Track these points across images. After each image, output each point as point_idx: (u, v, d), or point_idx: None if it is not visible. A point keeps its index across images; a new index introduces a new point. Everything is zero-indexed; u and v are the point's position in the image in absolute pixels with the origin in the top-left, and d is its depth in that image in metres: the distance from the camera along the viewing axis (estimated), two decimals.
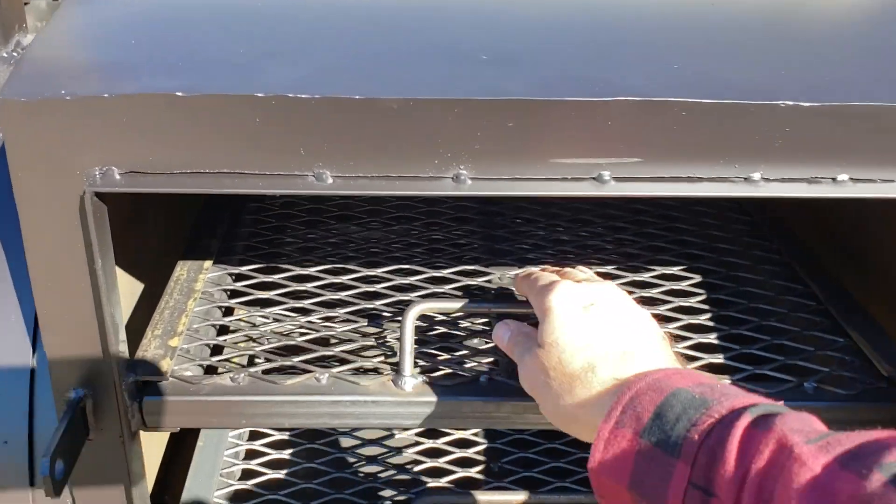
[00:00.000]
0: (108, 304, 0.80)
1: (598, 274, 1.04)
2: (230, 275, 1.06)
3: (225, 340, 0.96)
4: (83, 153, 0.74)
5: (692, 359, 0.95)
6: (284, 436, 1.20)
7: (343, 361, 0.93)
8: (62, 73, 0.76)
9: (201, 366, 0.90)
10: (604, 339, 0.74)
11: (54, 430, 0.82)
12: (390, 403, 0.87)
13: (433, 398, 0.87)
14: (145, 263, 1.02)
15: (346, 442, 1.21)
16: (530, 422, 0.88)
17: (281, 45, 0.83)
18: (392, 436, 1.22)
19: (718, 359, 0.95)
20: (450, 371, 0.91)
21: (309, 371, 0.89)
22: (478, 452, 1.17)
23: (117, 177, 0.75)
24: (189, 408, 0.85)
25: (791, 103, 0.75)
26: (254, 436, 1.20)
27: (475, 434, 1.19)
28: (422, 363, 0.93)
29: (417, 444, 1.18)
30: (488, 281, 1.07)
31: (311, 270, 1.06)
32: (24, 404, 0.92)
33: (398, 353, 0.88)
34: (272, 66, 0.78)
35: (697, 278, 1.09)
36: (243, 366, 0.94)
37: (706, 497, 0.61)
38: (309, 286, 1.03)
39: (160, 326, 0.93)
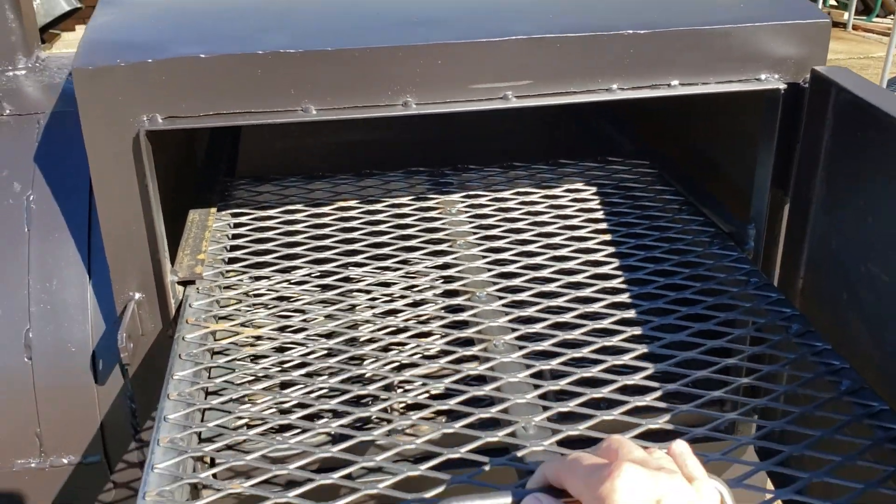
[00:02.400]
0: (158, 221, 1.08)
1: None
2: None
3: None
4: (135, 104, 1.03)
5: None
6: None
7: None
8: (113, 48, 1.05)
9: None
10: None
11: (119, 323, 1.10)
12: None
13: None
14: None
15: None
16: None
17: (269, 23, 1.13)
18: None
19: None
20: None
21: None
22: None
23: (160, 120, 1.04)
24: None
25: (631, 32, 1.08)
26: None
27: None
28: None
29: None
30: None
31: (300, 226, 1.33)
32: (85, 320, 1.19)
33: None
34: (265, 35, 1.08)
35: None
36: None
37: None
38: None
39: (188, 248, 1.21)
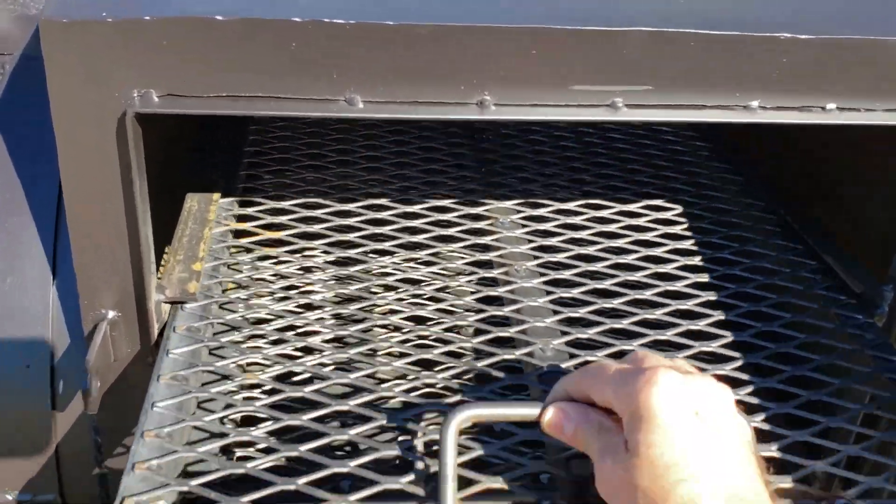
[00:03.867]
0: (144, 226, 0.82)
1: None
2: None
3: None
4: (123, 75, 0.76)
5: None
6: None
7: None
8: None
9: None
10: (713, 466, 0.60)
11: (88, 348, 0.85)
12: None
13: None
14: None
15: None
16: None
17: None
18: None
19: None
20: (498, 489, 0.73)
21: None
22: None
23: (156, 99, 0.77)
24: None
25: (789, 35, 0.81)
26: None
27: None
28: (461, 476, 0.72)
29: None
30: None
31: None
32: (45, 330, 0.94)
33: (437, 479, 0.69)
34: None
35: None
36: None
37: None
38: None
39: (181, 252, 0.95)
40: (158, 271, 0.91)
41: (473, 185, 1.17)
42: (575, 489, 0.73)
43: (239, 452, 0.85)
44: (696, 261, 1.05)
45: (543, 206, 1.13)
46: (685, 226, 1.12)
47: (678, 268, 1.04)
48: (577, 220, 1.10)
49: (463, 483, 0.71)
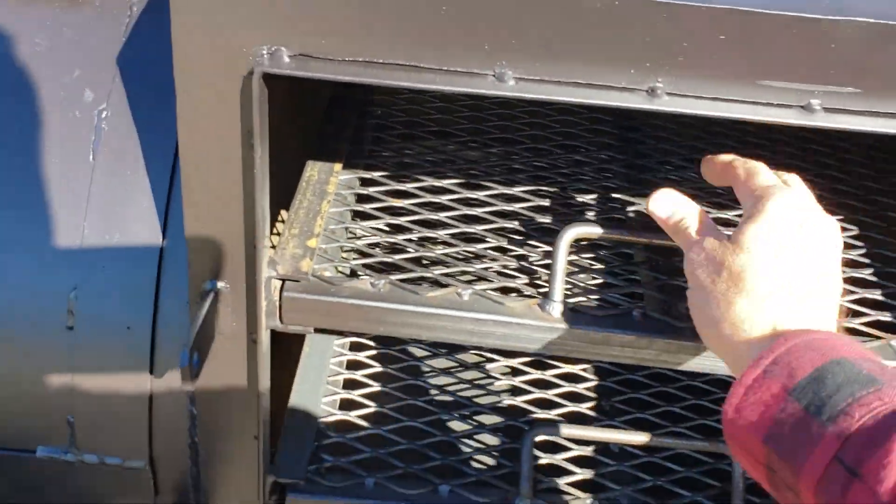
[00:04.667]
0: (261, 196, 0.75)
1: None
2: (360, 179, 1.00)
3: (361, 245, 0.91)
4: (252, 30, 0.68)
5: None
6: (386, 349, 1.17)
7: (483, 279, 0.88)
8: None
9: (338, 268, 0.86)
10: (797, 271, 0.68)
11: (192, 319, 0.79)
12: (536, 328, 0.82)
13: (582, 327, 0.82)
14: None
15: (445, 363, 1.17)
16: (680, 362, 0.83)
17: None
18: (495, 360, 1.18)
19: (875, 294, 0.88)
20: (599, 300, 0.86)
21: (449, 286, 0.84)
22: (588, 388, 1.13)
23: (286, 59, 0.69)
24: (329, 308, 0.81)
25: None
26: (355, 346, 1.17)
27: (584, 370, 1.15)
28: (568, 289, 0.88)
29: (523, 373, 1.14)
30: (633, 210, 1.01)
31: (444, 183, 1.00)
32: (150, 293, 0.89)
33: (549, 278, 0.83)
34: None
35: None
36: (381, 271, 0.89)
37: (850, 477, 0.56)
38: (442, 199, 0.98)
39: (296, 226, 0.88)
40: (271, 244, 0.84)
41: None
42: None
43: None
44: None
45: None
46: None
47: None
48: None
49: None
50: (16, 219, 0.89)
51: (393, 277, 0.85)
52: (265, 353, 0.86)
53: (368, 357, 1.14)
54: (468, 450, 1.05)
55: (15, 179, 0.89)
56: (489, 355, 1.17)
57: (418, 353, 1.16)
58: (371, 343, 1.16)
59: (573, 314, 0.82)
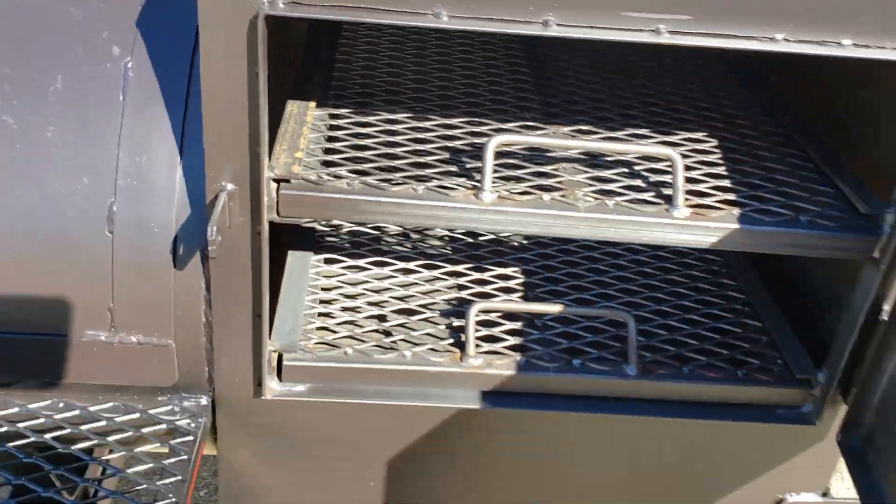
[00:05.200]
0: (263, 115, 1.01)
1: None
2: (329, 114, 1.27)
3: (336, 158, 1.18)
4: None
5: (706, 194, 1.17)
6: (354, 262, 1.43)
7: (433, 178, 1.15)
8: None
9: (319, 174, 1.12)
10: None
11: (209, 211, 1.04)
12: (474, 210, 1.09)
13: (509, 209, 1.09)
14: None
15: (403, 273, 1.43)
16: (581, 232, 1.11)
17: None
18: (441, 267, 1.45)
19: (732, 196, 1.17)
20: (523, 190, 1.14)
21: (407, 183, 1.11)
22: (517, 283, 1.41)
23: (281, 5, 0.95)
24: (314, 202, 1.08)
25: None
26: (328, 261, 1.43)
27: (514, 271, 1.43)
28: (496, 183, 1.15)
29: (466, 275, 1.42)
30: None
31: (400, 116, 1.27)
32: (172, 203, 1.14)
33: (480, 175, 1.10)
34: None
35: (716, 141, 1.31)
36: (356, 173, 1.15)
37: None
38: (398, 127, 1.24)
39: (285, 143, 1.14)
40: (269, 156, 1.10)
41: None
42: None
43: None
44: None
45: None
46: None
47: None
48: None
49: None
50: (65, 147, 1.13)
51: (364, 178, 1.11)
52: (265, 242, 1.11)
53: (339, 268, 1.40)
54: (423, 326, 1.31)
55: (63, 118, 1.13)
56: (438, 263, 1.44)
57: (379, 267, 1.43)
58: (341, 258, 1.42)
59: (501, 200, 1.10)
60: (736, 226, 1.11)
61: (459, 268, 1.43)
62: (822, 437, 1.32)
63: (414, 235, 1.50)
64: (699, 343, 1.32)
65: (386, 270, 1.42)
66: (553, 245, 1.50)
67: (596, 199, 1.13)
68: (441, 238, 1.50)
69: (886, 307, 1.16)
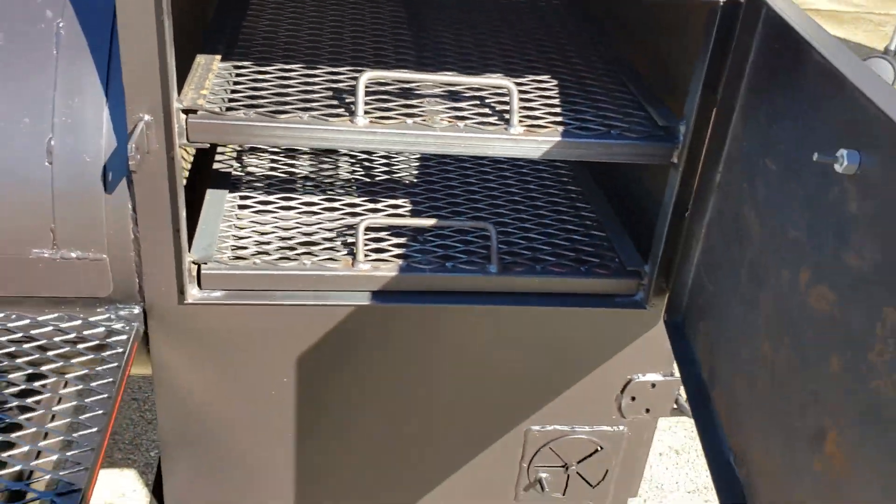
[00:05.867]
0: (170, 54, 1.26)
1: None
2: (234, 65, 1.52)
3: (237, 96, 1.43)
4: None
5: (539, 118, 1.45)
6: (264, 197, 1.69)
7: (315, 109, 1.41)
8: None
9: (221, 108, 1.37)
10: None
11: (129, 138, 1.29)
12: (349, 132, 1.35)
13: (378, 130, 1.36)
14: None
15: (303, 199, 1.70)
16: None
17: None
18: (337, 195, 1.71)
19: (560, 119, 1.45)
20: (394, 116, 1.40)
21: (293, 113, 1.37)
22: (404, 198, 1.68)
23: None
24: (216, 128, 1.33)
25: None
26: (243, 198, 1.68)
27: (406, 195, 1.70)
28: (371, 112, 1.41)
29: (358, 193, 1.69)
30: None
31: (294, 66, 1.52)
32: (100, 135, 1.38)
33: (354, 104, 1.36)
34: None
35: (556, 81, 1.59)
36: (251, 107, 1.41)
37: None
38: (292, 75, 1.50)
39: (193, 83, 1.39)
40: (179, 93, 1.35)
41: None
42: None
43: None
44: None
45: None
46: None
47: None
48: None
49: None
50: (7, 94, 1.36)
51: (258, 109, 1.37)
52: (178, 164, 1.36)
53: (252, 202, 1.66)
54: (322, 243, 1.57)
55: (4, 70, 1.37)
56: (339, 198, 1.70)
57: (286, 201, 1.69)
58: (253, 195, 1.68)
59: (371, 123, 1.36)
60: (560, 139, 1.39)
61: (357, 200, 1.70)
62: (657, 322, 1.61)
63: (318, 179, 1.77)
64: (550, 247, 1.60)
65: (292, 204, 1.67)
66: (437, 182, 1.77)
67: (450, 122, 1.40)
68: (343, 180, 1.77)
69: (690, 206, 1.45)
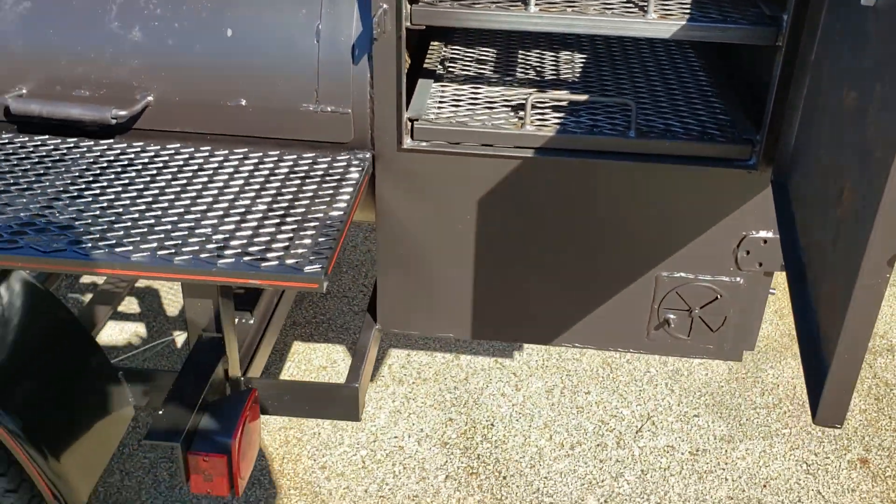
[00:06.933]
0: None
1: None
2: None
3: None
4: None
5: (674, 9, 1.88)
6: (459, 86, 2.23)
7: (499, 2, 1.92)
8: None
9: (434, 1, 1.92)
10: None
11: (373, 18, 1.86)
12: (524, 16, 1.86)
13: (546, 15, 1.85)
14: None
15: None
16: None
17: None
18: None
19: (686, 9, 1.88)
20: (559, 4, 1.89)
21: (484, 3, 1.89)
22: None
23: None
24: (430, 14, 1.89)
25: None
26: (443, 89, 2.23)
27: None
28: (539, 2, 1.90)
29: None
30: None
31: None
32: (351, 26, 1.97)
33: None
34: None
35: None
36: None
37: None
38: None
39: None
40: None
41: None
42: None
43: None
44: None
45: None
46: None
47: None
48: None
49: None
50: None
51: (461, 2, 1.91)
52: (403, 43, 1.91)
53: (449, 89, 2.20)
54: (500, 106, 2.08)
55: None
56: (515, 82, 2.21)
57: (472, 89, 2.22)
58: (449, 87, 2.22)
59: (541, 11, 1.85)
60: (685, 23, 1.82)
61: (528, 82, 2.20)
62: (767, 184, 1.99)
63: (500, 74, 2.29)
64: (679, 117, 2.03)
65: (479, 88, 2.20)
66: (590, 67, 2.25)
67: (605, 7, 1.88)
68: (519, 71, 2.28)
69: (791, 81, 1.83)
